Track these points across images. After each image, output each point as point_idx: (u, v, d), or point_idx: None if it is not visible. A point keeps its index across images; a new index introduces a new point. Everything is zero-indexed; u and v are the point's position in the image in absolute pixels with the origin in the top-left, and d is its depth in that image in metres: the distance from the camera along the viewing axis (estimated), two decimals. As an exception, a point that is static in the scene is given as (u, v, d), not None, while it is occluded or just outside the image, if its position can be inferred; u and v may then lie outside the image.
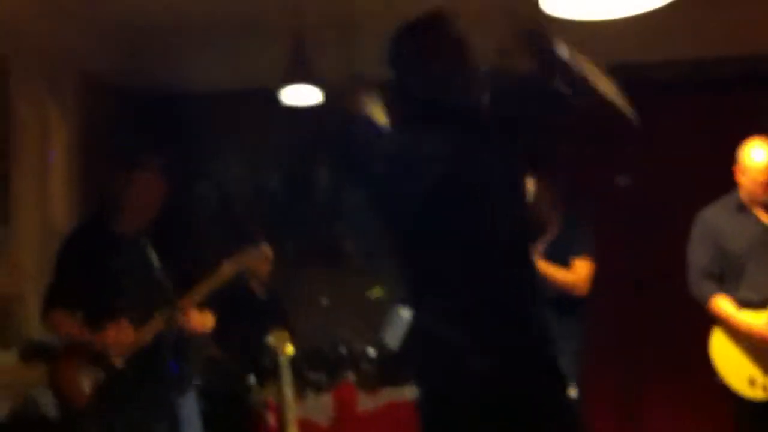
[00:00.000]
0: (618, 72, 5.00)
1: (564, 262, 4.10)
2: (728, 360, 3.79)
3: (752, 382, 3.72)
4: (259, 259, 3.49)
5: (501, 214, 2.40)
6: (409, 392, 4.55)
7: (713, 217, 3.89)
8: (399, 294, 4.80)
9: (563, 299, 4.03)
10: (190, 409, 3.47)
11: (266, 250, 3.49)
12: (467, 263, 2.37)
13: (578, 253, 4.13)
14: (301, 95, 5.21)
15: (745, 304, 3.77)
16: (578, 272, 4.11)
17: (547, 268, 4.01)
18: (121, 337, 3.30)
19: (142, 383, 3.36)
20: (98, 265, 3.38)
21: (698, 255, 3.88)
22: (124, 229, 3.43)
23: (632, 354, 5.08)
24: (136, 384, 3.35)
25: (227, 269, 3.41)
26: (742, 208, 3.83)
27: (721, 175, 3.91)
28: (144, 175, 3.41)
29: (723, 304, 3.79)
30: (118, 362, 3.32)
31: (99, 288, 3.38)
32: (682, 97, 5.57)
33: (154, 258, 3.37)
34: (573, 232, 4.21)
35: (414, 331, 2.61)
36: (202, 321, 3.44)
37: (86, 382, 3.33)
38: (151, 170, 3.42)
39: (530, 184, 4.04)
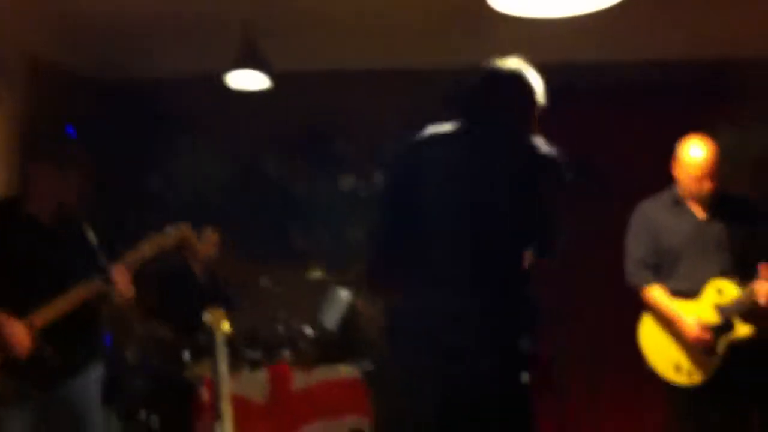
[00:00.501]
0: (565, 71, 5.12)
1: None
2: (655, 346, 3.89)
3: (678, 368, 3.81)
4: (179, 240, 3.45)
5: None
6: (345, 371, 4.57)
7: (651, 210, 3.99)
8: (337, 275, 4.84)
9: None
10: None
11: (186, 229, 3.46)
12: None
13: None
14: (249, 81, 5.22)
15: (677, 293, 3.85)
16: None
17: None
18: (16, 338, 3.22)
19: (61, 354, 3.32)
20: (10, 244, 3.34)
21: (635, 245, 3.97)
22: (39, 212, 3.39)
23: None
24: (52, 357, 3.30)
25: (144, 249, 3.40)
26: (679, 203, 3.92)
27: (662, 171, 3.99)
28: (50, 167, 3.37)
29: (656, 293, 3.88)
30: (20, 355, 3.24)
31: (11, 268, 3.33)
32: (628, 97, 5.69)
33: (90, 235, 3.34)
34: None
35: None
36: (127, 281, 3.39)
37: None
38: (59, 162, 3.37)
39: None
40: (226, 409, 4.03)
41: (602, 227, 4.52)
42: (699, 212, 3.90)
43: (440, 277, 2.63)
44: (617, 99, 5.62)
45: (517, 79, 2.77)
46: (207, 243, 5.06)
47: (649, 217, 3.97)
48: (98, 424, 3.44)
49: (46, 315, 3.27)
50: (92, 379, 3.43)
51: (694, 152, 3.85)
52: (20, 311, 3.26)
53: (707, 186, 3.82)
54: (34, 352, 3.26)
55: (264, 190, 6.08)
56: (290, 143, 6.08)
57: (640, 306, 3.96)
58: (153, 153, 6.13)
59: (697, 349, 3.75)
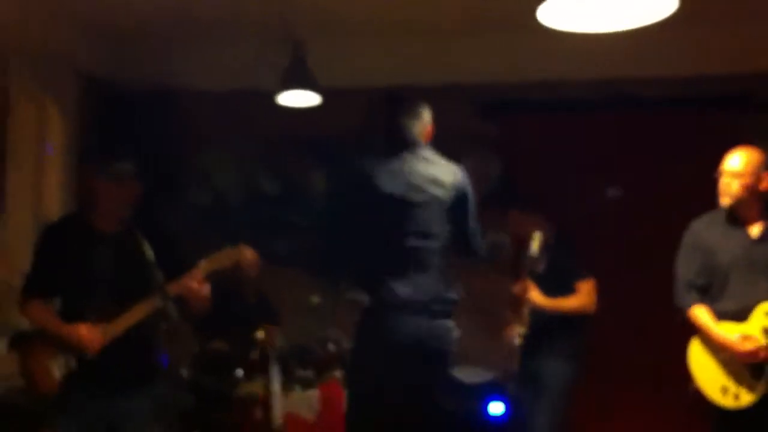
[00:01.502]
0: (611, 85, 5.13)
1: (565, 287, 4.49)
2: (703, 369, 3.86)
3: (724, 391, 3.79)
4: (236, 260, 3.50)
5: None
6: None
7: (702, 228, 3.95)
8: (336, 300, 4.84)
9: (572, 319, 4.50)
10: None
11: (245, 250, 3.51)
12: None
13: (582, 276, 4.53)
14: (299, 98, 5.29)
15: (725, 315, 3.82)
16: (587, 294, 4.53)
17: (554, 303, 4.45)
18: (89, 336, 3.34)
19: (122, 369, 3.40)
20: (75, 257, 3.44)
21: (684, 266, 3.93)
22: (101, 226, 3.49)
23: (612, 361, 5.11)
24: (115, 373, 3.39)
25: (204, 267, 3.45)
26: (732, 221, 3.89)
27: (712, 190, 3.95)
28: (109, 180, 3.44)
29: (701, 315, 3.85)
30: (90, 353, 3.35)
31: (74, 279, 3.43)
32: (676, 113, 5.69)
33: (147, 250, 3.40)
34: (567, 256, 4.53)
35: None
36: (202, 288, 3.45)
37: (56, 369, 3.37)
38: (116, 176, 3.45)
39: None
40: (279, 427, 4.11)
41: (655, 242, 4.50)
42: (753, 230, 3.86)
43: None
44: (663, 117, 5.62)
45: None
46: (245, 261, 5.13)
47: (699, 235, 3.93)
48: None
49: (114, 328, 3.36)
50: (150, 395, 3.49)
51: (731, 161, 3.85)
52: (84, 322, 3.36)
53: (736, 188, 3.79)
54: (98, 362, 3.35)
55: (313, 205, 6.15)
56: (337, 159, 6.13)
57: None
58: (200, 168, 6.21)
59: (744, 367, 3.73)
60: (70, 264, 3.44)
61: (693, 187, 4.17)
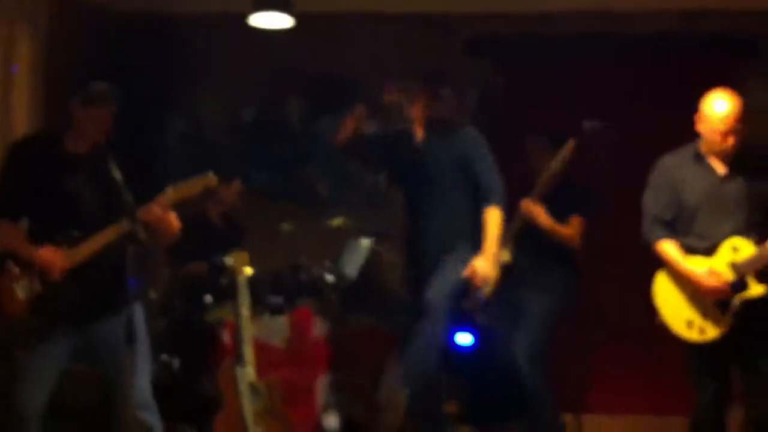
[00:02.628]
0: (594, 19, 5.01)
1: (560, 216, 4.60)
2: (669, 302, 3.89)
3: (690, 325, 3.83)
4: (204, 187, 3.48)
5: None
6: (365, 321, 4.65)
7: (671, 165, 3.95)
8: (360, 225, 4.89)
9: (559, 248, 4.61)
10: (138, 319, 3.49)
11: (210, 177, 3.48)
12: None
13: (577, 211, 4.64)
14: (271, 20, 5.20)
15: (691, 250, 3.85)
16: (576, 228, 4.65)
17: (554, 226, 4.57)
18: (52, 259, 3.32)
19: (90, 293, 3.39)
20: (44, 177, 3.40)
21: (653, 201, 3.94)
22: (73, 148, 3.45)
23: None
24: (81, 295, 3.37)
25: (171, 195, 3.43)
26: (700, 158, 3.88)
27: (685, 126, 3.95)
28: (83, 102, 3.40)
29: (669, 249, 3.87)
30: (53, 276, 3.33)
31: (43, 200, 3.40)
32: (654, 47, 5.65)
33: (117, 174, 3.36)
34: (572, 191, 4.67)
35: None
36: (167, 215, 3.43)
37: (22, 292, 3.35)
38: (91, 99, 3.39)
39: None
40: (249, 353, 4.13)
41: (621, 183, 4.51)
42: (720, 168, 3.86)
43: None
44: (643, 50, 5.56)
45: None
46: (231, 192, 5.11)
47: (667, 172, 3.93)
48: (124, 364, 3.50)
49: (82, 252, 3.34)
50: (120, 320, 3.48)
51: (719, 106, 3.78)
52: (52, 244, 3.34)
53: (730, 141, 3.77)
54: (64, 288, 3.34)
55: (286, 133, 6.10)
56: (312, 86, 6.07)
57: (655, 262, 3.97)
58: (174, 93, 6.12)
59: (710, 301, 3.77)
60: (39, 184, 3.40)
61: (688, 129, 4.16)
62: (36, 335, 3.37)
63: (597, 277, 5.14)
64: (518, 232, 4.58)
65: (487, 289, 4.20)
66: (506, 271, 4.52)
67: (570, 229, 4.64)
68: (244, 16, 5.24)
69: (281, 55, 5.85)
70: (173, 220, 3.46)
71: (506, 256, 4.55)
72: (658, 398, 5.44)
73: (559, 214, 4.60)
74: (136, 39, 5.83)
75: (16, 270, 3.36)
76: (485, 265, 3.94)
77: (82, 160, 3.42)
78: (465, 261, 3.95)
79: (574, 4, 5.43)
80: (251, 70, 6.02)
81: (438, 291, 3.92)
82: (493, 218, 3.99)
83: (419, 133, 4.13)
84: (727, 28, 5.48)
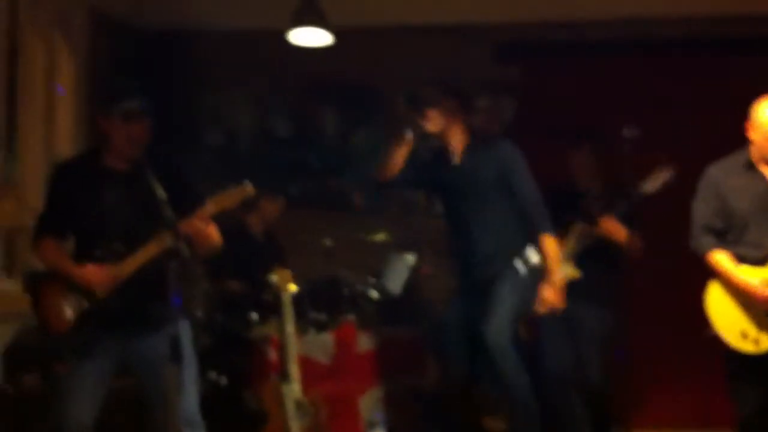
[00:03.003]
0: (630, 27, 5.01)
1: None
2: (722, 313, 3.83)
3: (744, 336, 3.77)
4: (241, 198, 3.47)
5: None
6: (407, 332, 4.63)
7: (720, 172, 3.89)
8: (401, 239, 4.87)
9: (613, 260, 4.58)
10: (185, 337, 3.48)
11: (247, 187, 3.46)
12: None
13: (629, 222, 4.54)
14: (310, 37, 5.21)
15: (743, 260, 3.79)
16: (636, 240, 4.55)
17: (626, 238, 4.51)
18: (97, 277, 3.33)
19: (135, 309, 3.38)
20: (86, 196, 3.42)
21: (702, 209, 3.89)
22: (113, 165, 3.46)
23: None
24: (125, 310, 3.37)
25: (211, 207, 3.42)
26: (750, 166, 3.82)
27: (733, 133, 3.89)
28: (118, 118, 3.40)
29: (721, 259, 3.81)
30: (99, 294, 3.34)
31: (86, 218, 3.41)
32: (696, 55, 5.60)
33: (158, 189, 3.37)
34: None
35: None
36: (208, 228, 3.43)
37: (68, 309, 3.36)
38: (126, 114, 3.39)
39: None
40: (294, 370, 4.12)
41: (673, 191, 4.45)
42: None
43: None
44: (693, 54, 5.51)
45: None
46: (273, 204, 5.12)
47: (717, 180, 3.87)
48: (166, 381, 3.50)
49: (125, 268, 3.34)
50: (162, 337, 3.48)
51: None
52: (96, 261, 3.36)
53: None
54: (108, 304, 3.35)
55: (321, 145, 6.13)
56: (346, 98, 6.09)
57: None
58: (209, 107, 6.17)
59: (765, 312, 3.71)
60: (82, 203, 3.42)
61: (721, 133, 4.10)
62: (80, 352, 3.38)
63: (641, 289, 5.11)
64: (585, 248, 4.53)
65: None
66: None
67: (635, 243, 4.56)
68: (281, 32, 5.26)
69: (315, 67, 5.88)
70: (214, 232, 3.45)
71: (574, 272, 4.51)
72: (703, 411, 5.38)
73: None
74: (172, 55, 5.88)
75: (63, 285, 3.37)
76: (554, 295, 3.99)
77: (122, 175, 3.44)
78: (517, 284, 3.94)
79: (601, 10, 5.40)
80: (285, 82, 6.05)
81: (498, 328, 3.91)
82: (550, 245, 4.00)
83: (458, 148, 4.09)
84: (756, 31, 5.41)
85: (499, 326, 3.90)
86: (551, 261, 4.00)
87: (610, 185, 4.72)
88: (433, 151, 4.16)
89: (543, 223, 4.00)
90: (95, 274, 3.32)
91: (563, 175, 4.77)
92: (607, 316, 4.61)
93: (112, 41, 5.74)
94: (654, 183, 4.39)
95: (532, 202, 4.01)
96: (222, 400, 4.31)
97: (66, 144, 5.41)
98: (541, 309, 4.00)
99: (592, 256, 4.54)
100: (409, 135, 4.01)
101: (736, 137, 3.85)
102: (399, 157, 4.05)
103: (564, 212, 4.66)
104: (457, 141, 4.07)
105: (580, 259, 4.55)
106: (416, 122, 4.01)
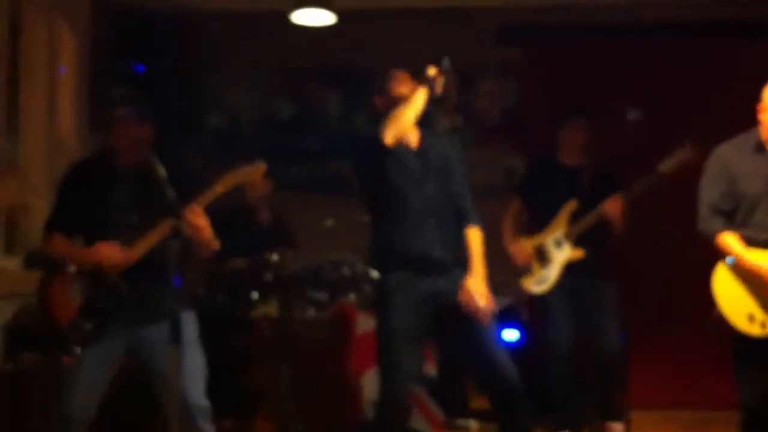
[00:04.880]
0: (632, 9, 4.96)
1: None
2: (729, 296, 3.78)
3: (751, 319, 3.73)
4: (252, 176, 3.45)
5: None
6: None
7: (729, 154, 3.82)
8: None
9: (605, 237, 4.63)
10: (189, 325, 3.49)
11: (260, 165, 3.43)
12: None
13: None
14: (314, 17, 5.19)
15: (751, 242, 3.74)
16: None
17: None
18: (111, 253, 3.36)
19: (143, 296, 3.40)
20: (95, 195, 3.47)
21: (709, 191, 3.82)
22: (121, 163, 3.50)
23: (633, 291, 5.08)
24: (131, 297, 3.39)
25: (220, 186, 3.42)
26: (760, 148, 3.77)
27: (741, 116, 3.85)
28: (125, 115, 3.44)
29: (730, 241, 3.76)
30: (111, 275, 3.37)
31: (95, 216, 3.45)
32: (700, 38, 5.57)
33: (161, 171, 3.36)
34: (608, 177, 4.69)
35: None
36: (204, 223, 3.43)
37: (75, 296, 3.39)
38: (131, 123, 3.43)
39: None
40: (292, 349, 4.12)
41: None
42: None
43: None
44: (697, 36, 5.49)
45: None
46: (258, 177, 5.08)
47: (726, 161, 3.80)
48: (170, 364, 3.48)
49: (135, 250, 3.37)
50: (166, 319, 3.46)
51: None
52: None
53: None
54: (114, 291, 3.37)
55: (326, 128, 6.11)
56: (348, 81, 6.07)
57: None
58: (213, 90, 6.16)
59: None
60: (91, 202, 3.46)
61: (725, 115, 4.07)
62: (87, 339, 3.38)
63: (639, 270, 5.10)
64: (588, 228, 4.58)
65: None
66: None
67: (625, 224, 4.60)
68: (284, 13, 5.24)
69: (318, 50, 5.86)
70: (206, 227, 3.40)
71: (576, 252, 4.58)
72: (705, 392, 5.39)
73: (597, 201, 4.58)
74: (173, 36, 5.86)
75: (71, 273, 3.41)
76: (478, 284, 3.58)
77: (131, 174, 3.47)
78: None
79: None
80: (288, 65, 6.04)
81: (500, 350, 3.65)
82: (478, 239, 3.67)
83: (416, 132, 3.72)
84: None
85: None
86: (477, 254, 3.65)
87: (605, 165, 4.76)
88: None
89: (474, 214, 3.71)
90: (107, 251, 3.36)
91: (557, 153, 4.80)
92: (614, 288, 4.68)
93: (114, 22, 5.73)
94: (671, 163, 4.39)
95: (466, 192, 3.73)
96: (221, 379, 4.30)
97: (68, 124, 5.42)
98: (469, 302, 3.55)
99: (592, 232, 4.60)
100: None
101: (745, 120, 3.80)
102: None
103: (555, 189, 4.71)
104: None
105: (579, 237, 4.58)
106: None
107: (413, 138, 3.68)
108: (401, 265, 3.55)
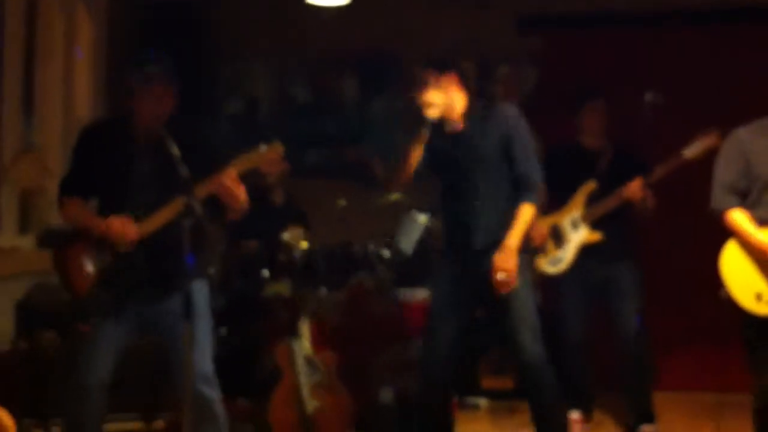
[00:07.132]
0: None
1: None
2: (737, 274, 3.75)
3: (759, 298, 3.70)
4: (268, 158, 3.44)
5: None
6: (420, 294, 4.60)
7: (747, 136, 3.80)
8: (416, 199, 4.84)
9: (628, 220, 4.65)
10: (200, 295, 3.49)
11: (277, 147, 3.43)
12: None
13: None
14: (328, -1, 5.18)
15: (763, 222, 3.71)
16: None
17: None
18: (124, 229, 3.35)
19: (154, 269, 3.42)
20: (112, 160, 3.45)
21: (725, 171, 3.80)
22: (138, 130, 3.48)
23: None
24: (146, 270, 3.41)
25: (241, 165, 3.40)
26: None
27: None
28: (140, 83, 3.41)
29: (741, 219, 3.74)
30: (123, 249, 3.37)
31: (111, 181, 3.44)
32: (720, 25, 5.52)
33: (174, 149, 3.37)
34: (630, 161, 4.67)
35: None
36: (239, 189, 3.42)
37: (91, 266, 3.38)
38: (147, 79, 3.40)
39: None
40: (305, 328, 4.12)
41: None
42: None
43: None
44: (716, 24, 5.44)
45: None
46: (274, 160, 5.08)
47: (743, 143, 3.79)
48: (183, 339, 3.50)
49: (147, 225, 3.38)
50: (179, 295, 3.47)
51: None
52: None
53: None
54: (130, 263, 3.38)
55: (340, 110, 6.11)
56: (364, 65, 6.06)
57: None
58: (230, 75, 6.17)
59: None
60: (107, 166, 3.45)
61: (747, 102, 4.03)
62: (102, 310, 3.41)
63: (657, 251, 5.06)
64: (607, 211, 4.56)
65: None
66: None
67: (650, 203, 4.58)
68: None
69: (335, 35, 5.85)
70: (242, 192, 3.43)
71: (592, 234, 4.57)
72: (720, 375, 5.39)
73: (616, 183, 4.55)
74: (190, 22, 5.87)
75: (86, 244, 3.40)
76: (506, 262, 3.72)
77: (147, 145, 3.45)
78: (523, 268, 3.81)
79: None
80: (305, 51, 6.04)
81: (525, 329, 3.86)
82: (525, 215, 3.78)
83: (458, 119, 3.86)
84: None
85: (526, 330, 3.85)
86: (515, 230, 3.75)
87: (626, 147, 4.72)
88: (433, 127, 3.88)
89: (527, 194, 3.80)
90: (120, 225, 3.35)
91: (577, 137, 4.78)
92: (637, 272, 4.67)
93: (131, 5, 5.75)
94: (696, 149, 4.37)
95: (527, 165, 3.82)
96: (234, 358, 4.31)
97: (84, 107, 5.45)
98: (495, 277, 3.71)
99: (612, 216, 4.57)
100: (425, 131, 3.80)
101: (766, 106, 3.79)
102: (416, 156, 3.85)
103: (574, 169, 4.68)
104: (458, 111, 3.87)
105: (598, 220, 4.55)
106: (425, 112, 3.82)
107: (457, 124, 3.84)
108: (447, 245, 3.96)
